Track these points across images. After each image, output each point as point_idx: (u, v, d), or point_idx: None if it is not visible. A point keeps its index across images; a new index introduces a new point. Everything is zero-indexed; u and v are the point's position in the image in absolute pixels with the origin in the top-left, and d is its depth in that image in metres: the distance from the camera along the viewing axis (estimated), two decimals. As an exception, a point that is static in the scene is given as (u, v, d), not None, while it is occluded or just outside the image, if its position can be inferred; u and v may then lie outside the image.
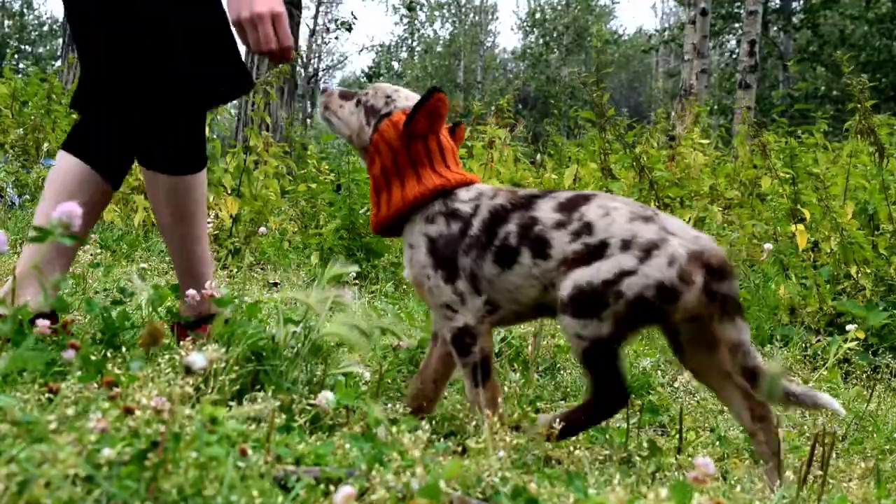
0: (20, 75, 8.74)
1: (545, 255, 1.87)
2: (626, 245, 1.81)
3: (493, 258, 1.91)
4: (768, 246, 4.21)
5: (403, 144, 1.99)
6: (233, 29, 2.12)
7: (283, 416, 1.57)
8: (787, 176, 4.79)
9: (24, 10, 35.58)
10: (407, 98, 2.07)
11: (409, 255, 1.99)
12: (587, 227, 1.84)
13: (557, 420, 1.84)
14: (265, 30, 2.04)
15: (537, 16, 34.02)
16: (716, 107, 19.56)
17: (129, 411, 1.27)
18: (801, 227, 4.19)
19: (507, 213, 1.93)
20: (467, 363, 1.92)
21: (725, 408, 2.53)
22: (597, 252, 1.82)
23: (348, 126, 2.08)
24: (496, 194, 1.98)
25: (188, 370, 1.33)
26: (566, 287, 1.82)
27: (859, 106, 5.32)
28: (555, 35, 33.19)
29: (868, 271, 3.82)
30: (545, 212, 1.90)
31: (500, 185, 2.03)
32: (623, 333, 1.83)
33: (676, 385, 2.79)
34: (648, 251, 1.79)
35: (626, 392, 1.86)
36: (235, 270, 4.64)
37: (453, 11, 36.46)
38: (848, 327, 3.30)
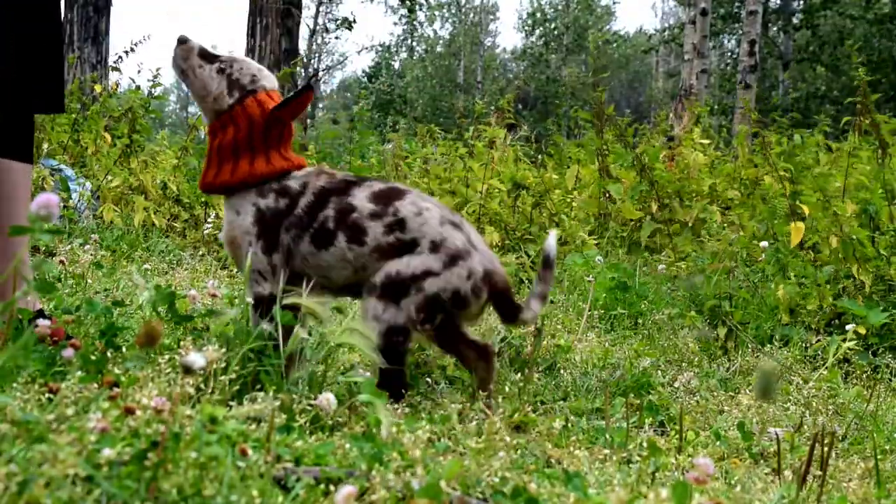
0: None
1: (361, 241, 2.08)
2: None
3: (311, 238, 2.09)
4: (765, 244, 4.22)
5: (264, 124, 2.15)
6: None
7: (284, 416, 1.57)
8: (787, 175, 4.79)
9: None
10: (268, 79, 2.23)
11: (233, 218, 2.14)
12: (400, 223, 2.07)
13: None
14: None
15: (538, 16, 34.00)
16: (716, 107, 19.55)
17: (129, 411, 1.27)
18: (799, 224, 4.18)
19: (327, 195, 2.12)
20: (258, 322, 2.02)
21: (726, 407, 2.54)
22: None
23: (206, 88, 2.19)
24: (320, 176, 2.15)
25: (187, 370, 1.32)
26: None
27: (859, 104, 5.30)
28: (555, 34, 33.18)
29: (868, 268, 3.81)
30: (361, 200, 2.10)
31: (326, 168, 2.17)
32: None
33: (676, 385, 2.78)
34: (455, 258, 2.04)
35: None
36: (236, 270, 4.64)
37: (453, 11, 36.46)
38: (848, 327, 3.30)
